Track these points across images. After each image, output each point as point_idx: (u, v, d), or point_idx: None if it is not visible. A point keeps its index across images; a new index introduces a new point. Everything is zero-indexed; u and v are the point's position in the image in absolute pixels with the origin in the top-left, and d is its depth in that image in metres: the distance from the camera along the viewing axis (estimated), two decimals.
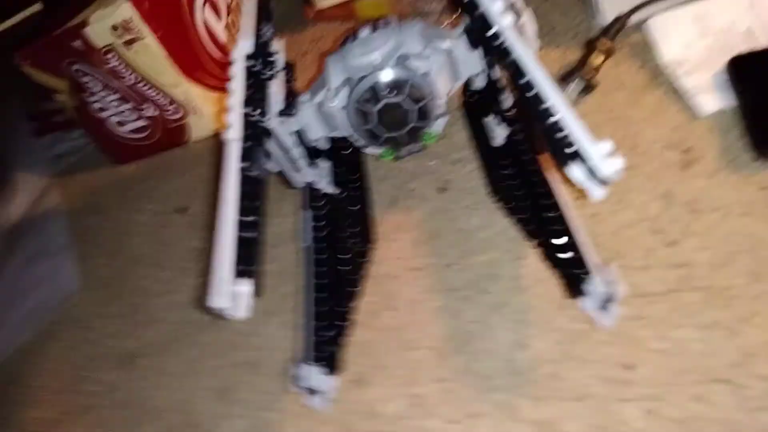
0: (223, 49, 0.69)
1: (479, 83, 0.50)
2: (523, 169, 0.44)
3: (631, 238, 0.42)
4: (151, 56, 0.61)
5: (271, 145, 0.44)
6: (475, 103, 0.51)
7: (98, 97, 0.65)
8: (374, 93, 0.44)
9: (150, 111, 0.66)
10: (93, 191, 0.70)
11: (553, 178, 0.41)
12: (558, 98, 0.31)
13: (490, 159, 0.48)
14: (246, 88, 0.39)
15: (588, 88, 0.50)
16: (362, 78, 0.44)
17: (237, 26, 0.42)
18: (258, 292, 0.32)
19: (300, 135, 0.48)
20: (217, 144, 0.66)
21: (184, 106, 0.65)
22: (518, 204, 0.44)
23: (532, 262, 0.43)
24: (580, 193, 0.41)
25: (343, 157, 0.52)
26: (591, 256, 0.36)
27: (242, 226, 0.33)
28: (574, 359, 0.38)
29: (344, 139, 0.53)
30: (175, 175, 0.65)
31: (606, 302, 0.35)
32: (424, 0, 0.61)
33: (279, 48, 0.47)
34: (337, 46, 0.47)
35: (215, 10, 0.68)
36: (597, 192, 0.28)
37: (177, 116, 0.66)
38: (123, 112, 0.66)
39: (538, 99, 0.31)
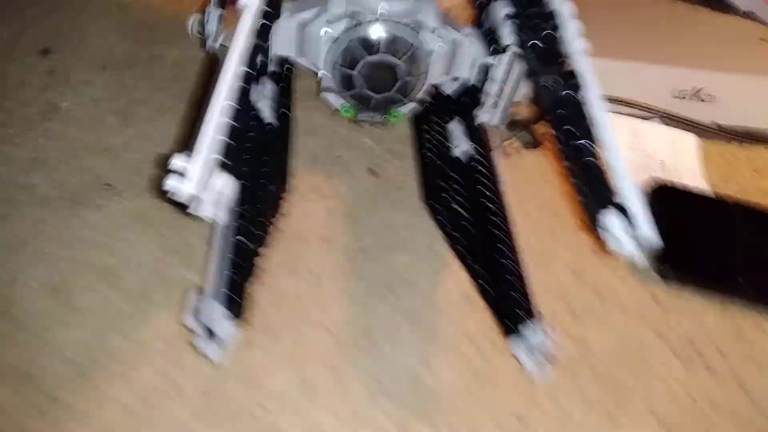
0: None
1: (449, 88, 0.48)
2: (474, 191, 0.42)
3: (541, 298, 0.42)
4: None
5: None
6: (434, 107, 0.49)
7: None
8: (373, 43, 0.39)
9: None
10: None
11: (508, 212, 0.40)
12: (615, 142, 0.30)
13: (434, 167, 0.46)
14: None
15: (533, 144, 0.50)
16: (370, 21, 0.39)
17: None
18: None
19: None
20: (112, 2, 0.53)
21: None
22: (455, 221, 0.42)
23: (449, 279, 0.41)
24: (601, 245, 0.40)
25: (283, 85, 0.46)
26: (534, 300, 0.35)
27: (233, 113, 0.26)
28: (473, 396, 0.36)
29: (291, 67, 0.47)
30: (43, 6, 0.51)
31: (537, 351, 0.34)
32: None
33: None
34: None
35: None
36: (629, 247, 0.28)
37: None
38: None
39: (591, 136, 0.30)
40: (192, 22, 0.52)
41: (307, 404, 0.33)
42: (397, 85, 0.41)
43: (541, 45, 0.35)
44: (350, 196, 0.44)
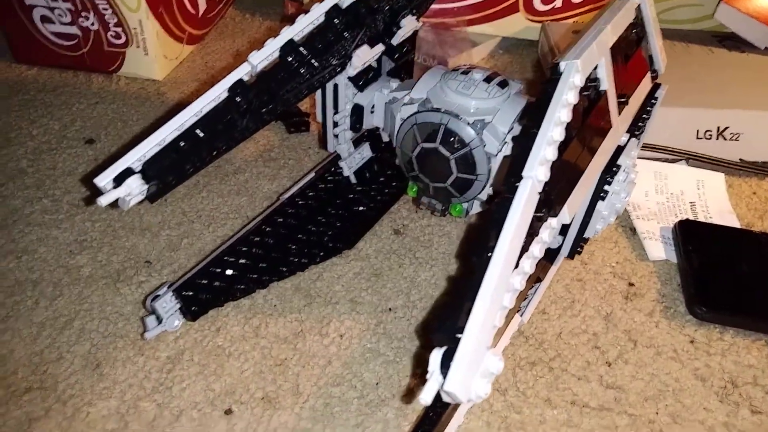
0: (197, 7, 0.62)
1: None
2: None
3: (573, 346, 0.42)
4: None
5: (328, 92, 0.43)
6: None
7: None
8: (434, 132, 0.40)
9: (89, 22, 0.56)
10: None
11: None
12: None
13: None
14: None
15: None
16: (438, 110, 0.40)
17: None
18: None
19: (356, 110, 0.44)
20: (150, 92, 0.58)
21: (132, 35, 0.57)
22: None
23: None
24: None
25: (381, 156, 0.48)
26: None
27: None
28: None
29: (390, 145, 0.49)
30: (88, 101, 0.56)
31: None
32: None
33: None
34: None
35: None
36: None
37: (117, 41, 0.57)
38: (57, 9, 0.56)
39: None
40: None
41: None
42: (450, 179, 0.41)
43: None
44: (376, 258, 0.46)
